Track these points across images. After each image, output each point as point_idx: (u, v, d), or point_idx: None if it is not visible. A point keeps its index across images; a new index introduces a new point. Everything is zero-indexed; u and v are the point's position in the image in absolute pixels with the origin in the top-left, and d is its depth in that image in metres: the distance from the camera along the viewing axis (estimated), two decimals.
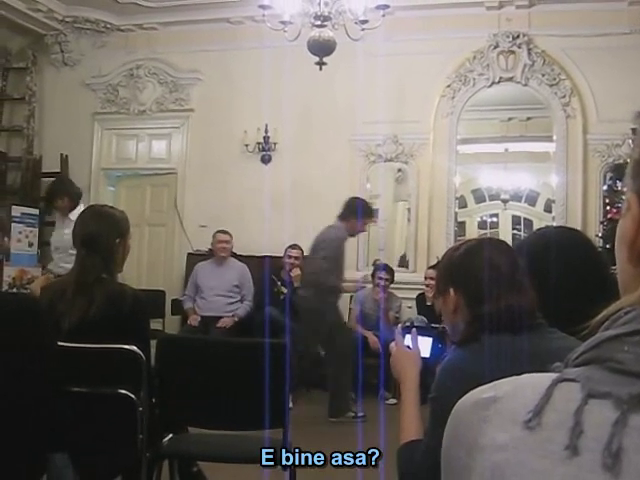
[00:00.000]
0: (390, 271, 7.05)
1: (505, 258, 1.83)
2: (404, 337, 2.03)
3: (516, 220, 11.91)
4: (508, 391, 0.64)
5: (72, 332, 2.70)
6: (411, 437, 1.86)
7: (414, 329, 2.04)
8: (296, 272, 6.94)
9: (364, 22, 5.78)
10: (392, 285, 7.24)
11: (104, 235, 2.93)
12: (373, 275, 7.04)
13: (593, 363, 0.62)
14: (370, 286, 7.03)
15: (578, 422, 0.57)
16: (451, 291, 1.85)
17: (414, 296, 7.16)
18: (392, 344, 2.05)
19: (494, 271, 1.78)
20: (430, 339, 2.05)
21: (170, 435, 3.04)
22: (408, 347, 2.01)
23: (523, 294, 1.74)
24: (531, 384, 0.64)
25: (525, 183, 11.17)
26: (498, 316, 1.70)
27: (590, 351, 0.63)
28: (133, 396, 2.72)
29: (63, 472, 1.90)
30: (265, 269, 6.85)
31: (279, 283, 6.95)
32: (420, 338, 2.02)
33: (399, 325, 2.13)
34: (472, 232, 11.06)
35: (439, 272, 1.97)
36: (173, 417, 3.01)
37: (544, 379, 0.62)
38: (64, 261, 5.97)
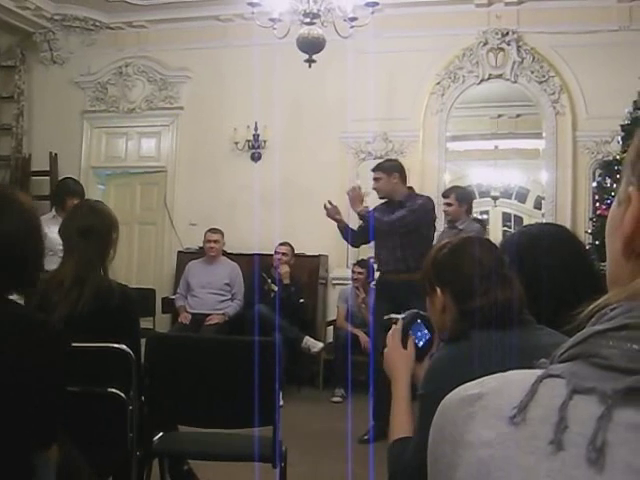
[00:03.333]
0: (367, 266, 7.04)
1: (490, 254, 1.85)
2: (409, 331, 2.03)
3: (506, 217, 11.96)
4: (494, 387, 0.64)
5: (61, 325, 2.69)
6: (401, 434, 1.86)
7: (418, 321, 2.04)
8: (284, 269, 6.94)
9: (353, 19, 5.79)
10: None
11: (102, 228, 2.97)
12: (353, 270, 7.07)
13: (579, 359, 0.62)
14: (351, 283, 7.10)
15: (563, 417, 0.58)
16: (438, 290, 1.86)
17: None
18: (389, 334, 2.05)
19: (479, 267, 1.79)
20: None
21: (160, 434, 3.04)
22: (404, 339, 2.02)
23: (510, 288, 1.75)
24: (517, 380, 0.64)
25: (515, 180, 11.21)
26: (486, 310, 1.70)
27: (576, 347, 0.63)
28: (123, 395, 2.72)
29: (42, 472, 1.90)
30: (255, 267, 6.86)
31: (269, 280, 6.95)
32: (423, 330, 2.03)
33: (400, 317, 2.11)
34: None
35: (424, 273, 1.96)
36: (163, 415, 3.01)
37: (530, 375, 0.63)
38: (52, 261, 5.96)
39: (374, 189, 5.50)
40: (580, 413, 0.57)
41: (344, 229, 5.47)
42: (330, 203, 5.45)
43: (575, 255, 1.97)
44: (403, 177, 5.44)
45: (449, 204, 6.07)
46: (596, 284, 1.70)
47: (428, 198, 5.46)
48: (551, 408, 0.59)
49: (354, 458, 3.54)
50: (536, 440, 0.58)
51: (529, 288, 1.76)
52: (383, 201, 5.46)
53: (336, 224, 5.46)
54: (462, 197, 6.13)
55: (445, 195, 6.20)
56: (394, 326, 2.05)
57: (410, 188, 5.50)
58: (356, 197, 5.29)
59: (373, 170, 5.52)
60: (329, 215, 5.44)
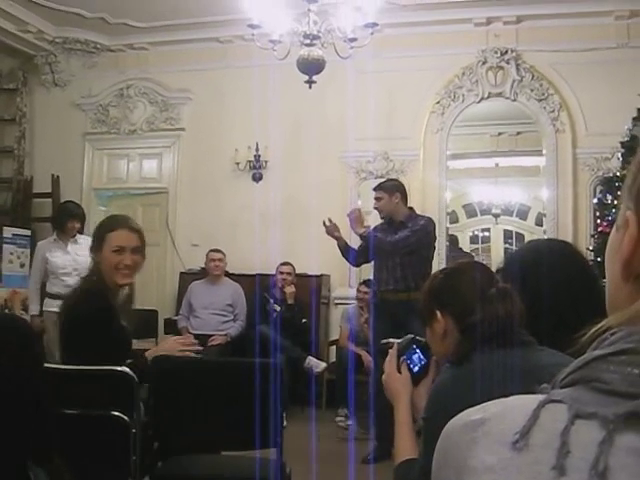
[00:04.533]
0: (370, 286, 7.04)
1: (486, 274, 1.86)
2: (403, 356, 2.04)
3: (508, 234, 11.98)
4: (496, 413, 0.65)
5: None
6: (406, 456, 1.87)
7: (413, 346, 2.05)
8: (290, 289, 6.95)
9: (353, 40, 5.81)
10: None
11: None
12: (358, 290, 7.06)
13: (580, 384, 0.62)
14: (356, 303, 7.08)
15: (565, 442, 0.58)
16: (438, 314, 1.86)
17: None
18: (386, 360, 2.06)
19: (478, 285, 1.80)
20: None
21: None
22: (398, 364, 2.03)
23: (511, 302, 1.75)
24: (518, 406, 0.64)
25: (516, 197, 11.24)
26: (487, 325, 1.70)
27: (577, 372, 0.64)
28: (126, 418, 2.71)
29: None
30: (256, 287, 6.85)
31: (272, 301, 6.94)
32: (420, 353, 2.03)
33: (396, 342, 2.12)
34: (464, 247, 11.09)
35: (423, 301, 1.97)
36: (166, 438, 3.00)
37: (531, 400, 0.63)
38: (54, 284, 6.01)
39: (375, 209, 5.52)
40: (582, 438, 0.58)
41: (344, 247, 5.48)
42: (330, 220, 5.47)
43: (579, 272, 1.97)
44: (404, 197, 5.46)
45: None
46: (599, 302, 1.70)
47: (429, 219, 5.47)
48: (553, 433, 0.59)
49: (357, 478, 3.52)
50: (538, 465, 0.58)
51: (531, 304, 1.76)
52: (383, 220, 5.48)
53: (336, 242, 5.47)
54: None
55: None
56: (390, 351, 2.07)
57: (411, 208, 5.51)
58: (357, 218, 5.31)
59: (374, 190, 5.55)
60: (328, 232, 5.46)
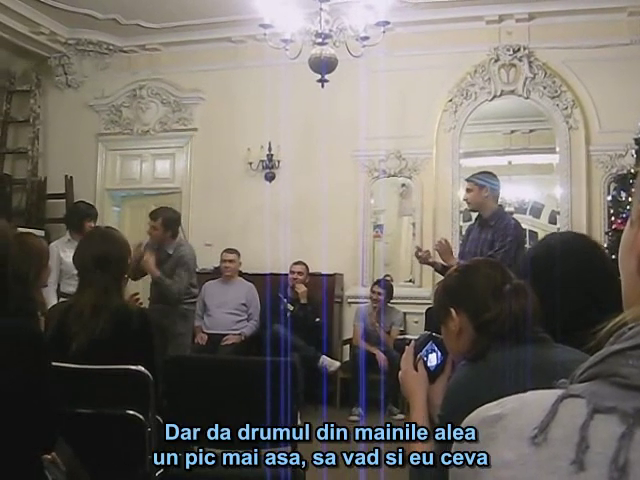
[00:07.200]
0: (387, 287, 7.06)
1: (499, 271, 1.85)
2: (420, 352, 2.03)
3: None
4: (514, 408, 0.64)
5: (81, 352, 2.70)
6: None
7: (430, 342, 2.04)
8: (301, 288, 6.96)
9: (365, 39, 5.80)
10: (400, 300, 7.25)
11: (118, 255, 3.00)
12: (372, 290, 7.07)
13: (598, 378, 0.62)
14: (369, 302, 7.09)
15: (584, 437, 0.58)
16: (452, 312, 1.86)
17: (421, 311, 7.14)
18: (403, 357, 2.06)
19: (492, 282, 1.79)
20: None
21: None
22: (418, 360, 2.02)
23: (525, 298, 1.74)
24: (536, 401, 0.64)
25: (529, 195, 11.17)
26: (501, 321, 1.70)
27: (595, 366, 0.63)
28: (141, 417, 2.72)
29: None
30: (267, 287, 6.86)
31: (285, 300, 6.95)
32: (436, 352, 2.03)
33: (412, 341, 2.12)
34: None
35: (437, 300, 1.96)
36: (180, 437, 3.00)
37: (549, 395, 0.63)
38: (68, 284, 6.05)
39: (464, 200, 5.59)
40: (601, 433, 0.58)
41: (442, 271, 5.39)
42: (420, 249, 5.45)
43: (594, 264, 1.96)
44: (495, 193, 5.35)
45: (154, 227, 5.89)
46: (615, 296, 1.68)
47: (515, 226, 5.31)
48: (572, 428, 0.59)
49: (370, 477, 3.51)
50: (557, 460, 0.58)
51: (546, 297, 1.76)
52: (475, 219, 5.45)
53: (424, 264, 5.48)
54: (169, 222, 5.91)
55: (153, 217, 5.97)
56: (407, 348, 2.05)
57: (500, 206, 5.41)
58: (446, 250, 5.22)
59: (466, 180, 5.55)
60: (422, 262, 5.44)
